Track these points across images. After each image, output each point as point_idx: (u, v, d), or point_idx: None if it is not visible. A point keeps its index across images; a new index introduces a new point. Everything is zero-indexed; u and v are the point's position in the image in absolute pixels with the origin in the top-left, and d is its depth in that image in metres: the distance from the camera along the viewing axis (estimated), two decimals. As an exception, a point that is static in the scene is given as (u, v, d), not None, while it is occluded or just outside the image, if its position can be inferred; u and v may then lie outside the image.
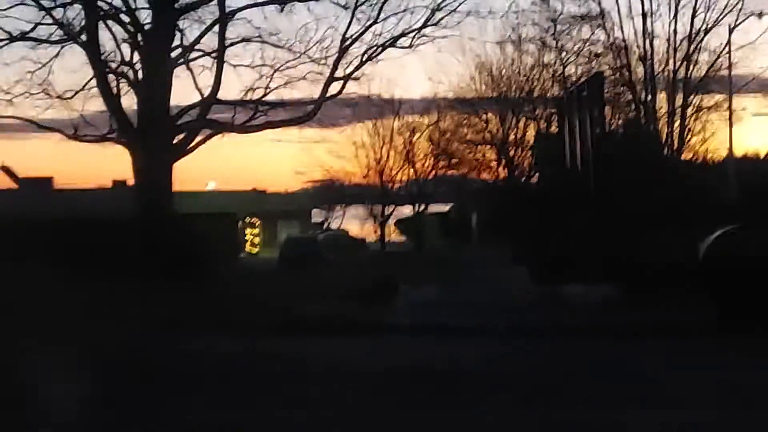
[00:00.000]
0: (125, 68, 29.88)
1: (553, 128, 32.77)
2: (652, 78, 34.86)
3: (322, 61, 31.07)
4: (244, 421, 8.76)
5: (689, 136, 35.79)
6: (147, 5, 29.46)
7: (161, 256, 25.91)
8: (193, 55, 30.59)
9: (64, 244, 27.35)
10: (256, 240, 56.51)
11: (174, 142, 29.58)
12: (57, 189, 46.61)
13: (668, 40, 34.91)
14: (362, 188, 55.83)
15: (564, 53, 37.79)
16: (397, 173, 55.29)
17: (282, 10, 30.97)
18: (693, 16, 34.57)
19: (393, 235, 63.36)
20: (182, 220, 29.90)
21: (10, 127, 39.16)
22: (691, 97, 35.36)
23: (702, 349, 12.65)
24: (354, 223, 67.32)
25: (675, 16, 34.66)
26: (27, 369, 11.34)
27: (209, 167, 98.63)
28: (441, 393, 9.87)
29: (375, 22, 30.71)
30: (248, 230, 55.13)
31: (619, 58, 35.02)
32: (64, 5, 29.09)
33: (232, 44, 30.45)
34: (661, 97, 35.31)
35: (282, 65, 31.17)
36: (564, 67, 38.96)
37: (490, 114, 48.71)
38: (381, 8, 30.48)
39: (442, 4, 30.61)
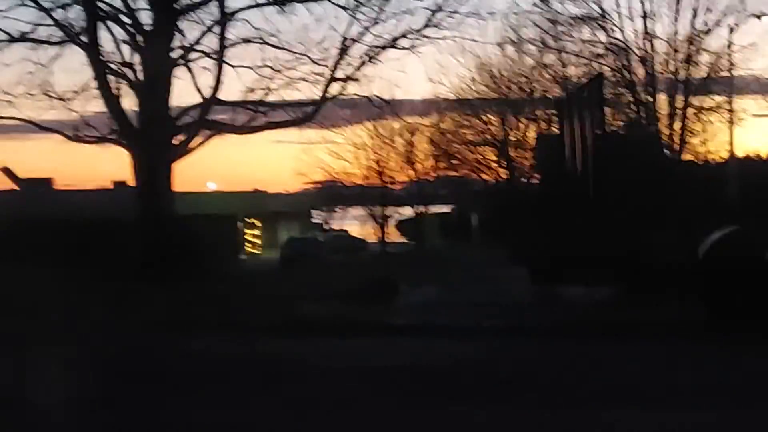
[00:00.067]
0: (125, 69, 29.86)
1: (554, 129, 32.79)
2: (652, 79, 34.84)
3: (323, 62, 31.06)
4: (244, 421, 8.76)
5: (690, 138, 35.80)
6: (147, 6, 29.47)
7: (162, 257, 25.93)
8: (194, 55, 30.58)
9: (64, 244, 27.40)
10: (257, 241, 56.52)
11: (174, 142, 29.58)
12: (57, 190, 46.64)
13: (669, 41, 34.92)
14: (363, 189, 55.83)
15: (564, 54, 37.79)
16: (397, 174, 55.35)
17: (282, 10, 30.97)
18: (694, 18, 34.54)
19: (393, 235, 63.40)
20: (183, 221, 29.90)
21: (11, 128, 39.08)
22: (692, 98, 35.35)
23: (701, 350, 12.66)
24: (354, 223, 67.43)
25: (676, 17, 34.67)
26: (27, 369, 11.36)
27: (210, 168, 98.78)
28: (441, 393, 9.88)
29: (375, 23, 30.71)
30: (249, 231, 55.13)
31: (620, 59, 34.99)
32: (64, 6, 29.09)
33: (232, 45, 30.46)
34: (662, 98, 35.31)
35: (282, 66, 31.20)
36: (564, 68, 39.01)
37: (490, 115, 48.73)
38: (381, 9, 30.51)
39: (443, 6, 30.64)
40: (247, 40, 30.82)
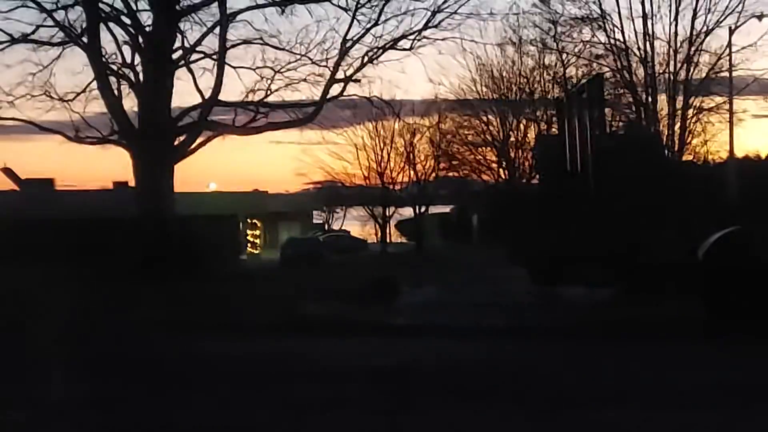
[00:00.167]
0: (126, 70, 29.97)
1: (554, 130, 32.81)
2: (652, 80, 34.89)
3: (323, 63, 31.17)
4: (244, 421, 8.79)
5: (690, 138, 35.84)
6: (148, 7, 29.56)
7: (162, 257, 25.97)
8: (194, 56, 30.68)
9: (65, 245, 27.44)
10: (257, 241, 56.54)
11: (175, 143, 29.63)
12: (58, 190, 46.69)
13: (669, 41, 34.98)
14: (363, 189, 55.86)
15: (564, 55, 37.92)
16: (397, 175, 55.38)
17: (283, 12, 31.06)
18: (693, 18, 34.65)
19: (394, 235, 63.46)
20: (183, 221, 29.94)
21: (12, 128, 39.27)
22: (692, 98, 35.39)
23: (701, 350, 12.67)
24: (355, 224, 67.48)
25: (675, 18, 34.75)
26: (27, 368, 11.38)
27: (210, 169, 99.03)
28: (441, 393, 9.90)
29: (375, 24, 30.81)
30: (249, 231, 55.14)
31: (620, 60, 35.07)
32: (65, 7, 29.22)
33: (233, 46, 30.57)
34: (662, 99, 35.37)
35: (283, 67, 31.30)
36: (564, 69, 39.11)
37: (490, 116, 48.77)
38: (381, 10, 30.58)
39: (443, 6, 30.70)
40: (247, 41, 30.96)
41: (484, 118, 49.00)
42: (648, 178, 18.00)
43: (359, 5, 30.31)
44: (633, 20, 34.83)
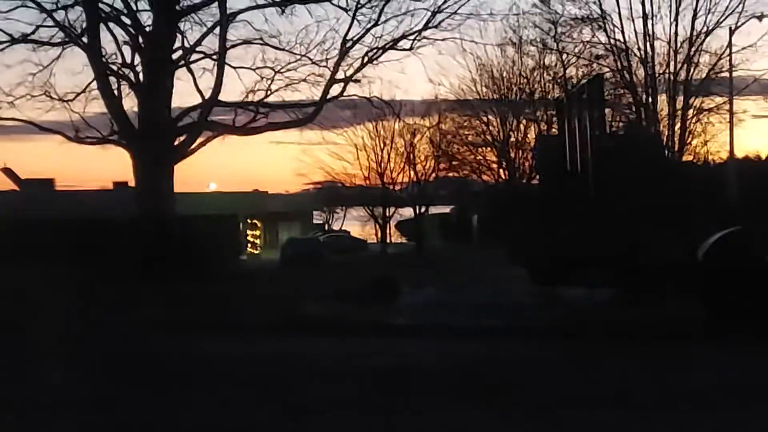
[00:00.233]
0: (126, 70, 29.94)
1: (554, 130, 32.80)
2: (652, 80, 34.88)
3: (323, 63, 31.14)
4: (244, 421, 8.79)
5: (690, 138, 35.84)
6: (148, 7, 29.54)
7: (162, 257, 25.97)
8: (194, 57, 30.65)
9: (65, 245, 27.44)
10: (257, 241, 56.55)
11: (175, 143, 29.62)
12: (58, 190, 46.73)
13: (669, 42, 34.96)
14: (363, 190, 55.85)
15: (565, 55, 37.89)
16: (397, 175, 55.38)
17: (283, 12, 31.03)
18: (694, 19, 34.63)
19: (394, 236, 63.44)
20: (183, 222, 29.94)
21: (12, 128, 39.27)
22: (692, 99, 35.39)
23: (701, 350, 12.68)
24: (355, 224, 67.49)
25: (676, 18, 34.73)
26: (27, 368, 11.38)
27: (210, 169, 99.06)
28: (441, 393, 9.90)
29: (375, 25, 30.77)
30: (249, 231, 55.15)
31: (620, 60, 35.05)
32: (65, 7, 29.19)
33: (233, 46, 30.53)
34: (662, 99, 35.36)
35: (283, 67, 31.26)
36: (564, 69, 39.09)
37: (490, 116, 48.77)
38: (381, 11, 30.55)
39: (443, 7, 30.68)
40: (247, 42, 30.93)
41: (484, 119, 49.00)
42: (648, 179, 17.99)
43: (359, 5, 30.32)
44: (633, 20, 34.85)
